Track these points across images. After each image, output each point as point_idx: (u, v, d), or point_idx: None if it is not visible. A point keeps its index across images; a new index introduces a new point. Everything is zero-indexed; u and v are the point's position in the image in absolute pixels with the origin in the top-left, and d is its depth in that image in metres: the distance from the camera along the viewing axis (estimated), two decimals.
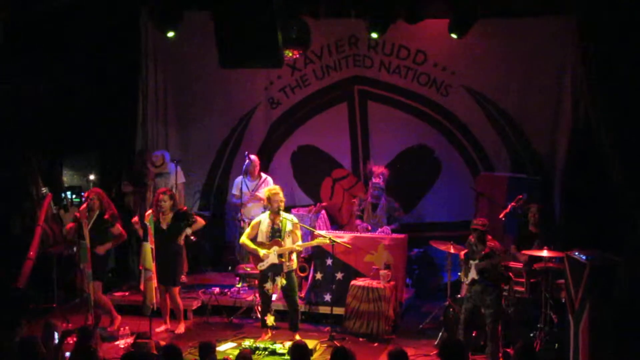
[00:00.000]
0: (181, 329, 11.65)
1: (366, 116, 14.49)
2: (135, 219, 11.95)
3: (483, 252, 10.21)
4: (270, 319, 11.22)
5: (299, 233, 11.26)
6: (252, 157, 13.25)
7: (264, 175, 13.36)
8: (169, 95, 14.86)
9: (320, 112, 14.69)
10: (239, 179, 13.34)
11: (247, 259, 12.64)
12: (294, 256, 11.21)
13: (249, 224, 11.71)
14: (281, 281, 11.04)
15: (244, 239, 11.26)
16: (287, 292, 11.16)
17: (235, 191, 13.38)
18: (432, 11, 12.49)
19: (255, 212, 12.78)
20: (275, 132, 14.83)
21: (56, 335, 8.67)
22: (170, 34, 12.69)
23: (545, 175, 13.45)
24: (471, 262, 10.31)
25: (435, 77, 14.05)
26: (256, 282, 11.76)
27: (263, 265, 11.07)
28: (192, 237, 12.05)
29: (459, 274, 10.73)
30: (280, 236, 11.01)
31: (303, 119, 14.76)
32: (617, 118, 8.97)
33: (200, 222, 11.91)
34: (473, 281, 10.26)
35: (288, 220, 11.12)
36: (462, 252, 10.58)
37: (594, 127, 9.37)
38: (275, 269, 11.04)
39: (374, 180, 13.04)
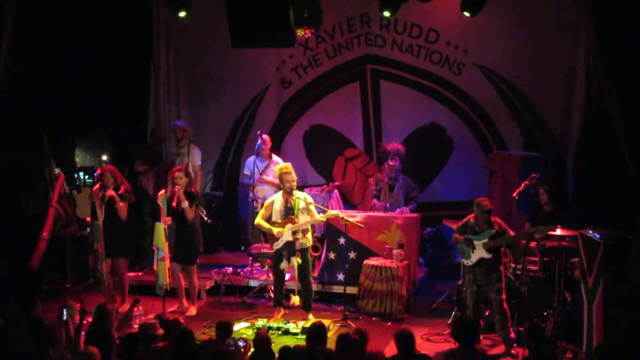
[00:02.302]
0: (192, 311, 11.56)
1: (378, 95, 14.46)
2: (162, 191, 11.41)
3: (494, 231, 10.12)
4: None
5: (313, 208, 11.18)
6: (264, 136, 13.21)
7: (274, 157, 13.24)
8: (180, 75, 14.88)
9: (333, 92, 14.68)
10: (251, 159, 13.34)
11: (259, 239, 12.67)
12: (309, 234, 11.15)
13: (261, 204, 11.69)
14: (297, 260, 11.01)
15: (258, 220, 11.18)
16: (302, 271, 11.08)
17: (246, 171, 13.39)
18: None
19: (268, 192, 12.79)
20: (287, 111, 14.83)
21: (65, 314, 8.65)
22: (182, 14, 12.66)
23: (558, 153, 13.39)
24: (476, 242, 10.18)
25: (448, 55, 13.98)
26: (269, 261, 11.78)
27: (278, 244, 11.03)
28: (207, 219, 11.98)
29: (462, 260, 10.62)
30: (293, 213, 10.96)
31: (315, 99, 14.75)
32: (628, 94, 8.94)
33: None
34: (480, 261, 10.19)
35: (301, 199, 11.04)
36: (456, 234, 10.32)
37: (607, 104, 9.33)
38: (290, 248, 10.99)
39: (390, 162, 13.00)
